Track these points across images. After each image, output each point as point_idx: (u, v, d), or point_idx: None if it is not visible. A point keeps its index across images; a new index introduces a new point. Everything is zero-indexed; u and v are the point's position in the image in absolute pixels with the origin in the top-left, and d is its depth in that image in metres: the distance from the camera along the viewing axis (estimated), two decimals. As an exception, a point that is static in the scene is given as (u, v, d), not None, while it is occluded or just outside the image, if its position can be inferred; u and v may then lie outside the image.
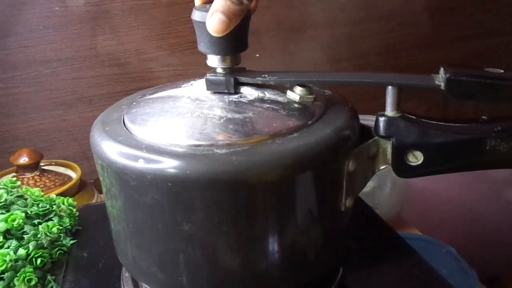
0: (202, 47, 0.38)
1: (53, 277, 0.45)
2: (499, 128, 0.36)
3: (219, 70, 0.39)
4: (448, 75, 0.34)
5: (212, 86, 0.39)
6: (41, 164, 0.70)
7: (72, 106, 0.84)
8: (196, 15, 0.37)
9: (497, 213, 0.86)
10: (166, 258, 0.35)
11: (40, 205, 0.49)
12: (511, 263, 0.83)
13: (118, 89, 0.85)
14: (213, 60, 0.38)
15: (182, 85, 0.42)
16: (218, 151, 0.32)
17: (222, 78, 0.38)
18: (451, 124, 0.37)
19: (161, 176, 0.31)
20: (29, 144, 0.80)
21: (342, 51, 0.99)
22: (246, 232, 0.34)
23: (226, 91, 0.38)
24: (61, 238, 0.48)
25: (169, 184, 0.31)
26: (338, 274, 0.42)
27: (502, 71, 0.36)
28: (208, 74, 0.39)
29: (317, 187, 0.35)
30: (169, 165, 0.31)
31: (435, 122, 0.37)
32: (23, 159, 0.67)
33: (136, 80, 0.86)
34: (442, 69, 0.36)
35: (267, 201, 0.33)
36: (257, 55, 0.91)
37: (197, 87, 0.41)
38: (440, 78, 0.36)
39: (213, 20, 0.35)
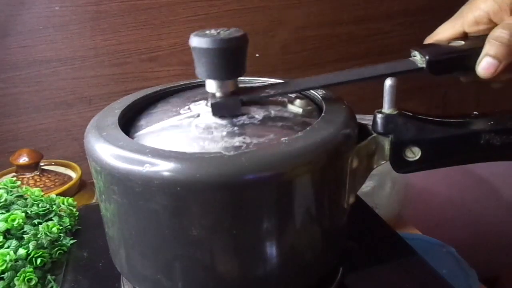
0: (201, 73, 0.36)
1: (53, 277, 0.45)
2: (492, 122, 0.38)
3: (219, 94, 0.38)
4: (427, 57, 0.39)
5: (219, 111, 0.37)
6: (41, 164, 0.70)
7: (72, 106, 0.84)
8: (194, 41, 0.35)
9: (497, 213, 0.86)
10: (173, 265, 0.35)
11: (40, 205, 0.49)
12: (511, 263, 0.83)
13: (118, 89, 0.85)
14: (212, 85, 0.37)
15: (180, 110, 0.40)
16: (227, 153, 0.31)
17: (228, 101, 0.37)
18: (447, 120, 0.38)
19: (170, 181, 0.30)
20: (29, 144, 0.80)
21: (342, 51, 0.99)
22: (258, 234, 0.33)
23: (233, 114, 0.38)
24: (61, 238, 0.48)
25: (178, 188, 0.31)
26: (338, 274, 0.42)
27: (463, 42, 0.41)
28: (212, 99, 0.38)
29: (325, 185, 0.35)
30: (177, 169, 0.30)
31: (432, 118, 0.38)
32: (23, 159, 0.67)
33: (136, 80, 0.86)
34: (415, 52, 0.40)
35: (279, 201, 0.33)
36: (257, 55, 0.91)
37: (200, 112, 0.39)
38: (420, 61, 0.39)
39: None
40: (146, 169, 0.31)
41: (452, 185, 0.88)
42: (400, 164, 0.39)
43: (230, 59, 0.35)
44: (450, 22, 0.42)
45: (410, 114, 0.38)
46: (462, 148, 0.39)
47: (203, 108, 0.39)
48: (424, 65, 0.38)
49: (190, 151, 0.32)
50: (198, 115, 0.38)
